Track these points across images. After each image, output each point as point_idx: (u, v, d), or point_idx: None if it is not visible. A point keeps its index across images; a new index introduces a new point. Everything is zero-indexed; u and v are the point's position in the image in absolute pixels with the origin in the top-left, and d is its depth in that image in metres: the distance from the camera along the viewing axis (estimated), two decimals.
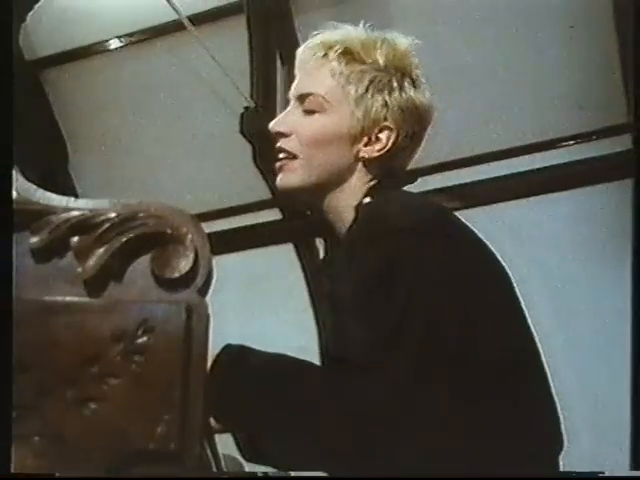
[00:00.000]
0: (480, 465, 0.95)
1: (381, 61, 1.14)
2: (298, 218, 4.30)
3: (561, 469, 1.04)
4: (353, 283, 1.02)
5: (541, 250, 3.80)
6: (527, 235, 3.82)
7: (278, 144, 1.17)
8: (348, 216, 1.13)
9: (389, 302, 0.97)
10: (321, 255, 4.60)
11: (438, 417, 0.94)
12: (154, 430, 0.76)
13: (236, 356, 0.99)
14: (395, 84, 1.14)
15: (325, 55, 1.15)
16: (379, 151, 1.14)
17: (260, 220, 4.34)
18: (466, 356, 0.96)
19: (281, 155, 1.17)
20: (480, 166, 3.96)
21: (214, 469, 1.05)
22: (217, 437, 1.06)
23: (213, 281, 0.84)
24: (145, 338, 0.79)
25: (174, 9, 3.54)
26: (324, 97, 1.14)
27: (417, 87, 1.17)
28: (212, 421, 1.01)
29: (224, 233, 4.20)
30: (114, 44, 4.27)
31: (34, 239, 0.82)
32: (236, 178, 4.25)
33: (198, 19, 3.93)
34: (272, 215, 4.31)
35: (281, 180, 1.17)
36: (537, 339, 1.07)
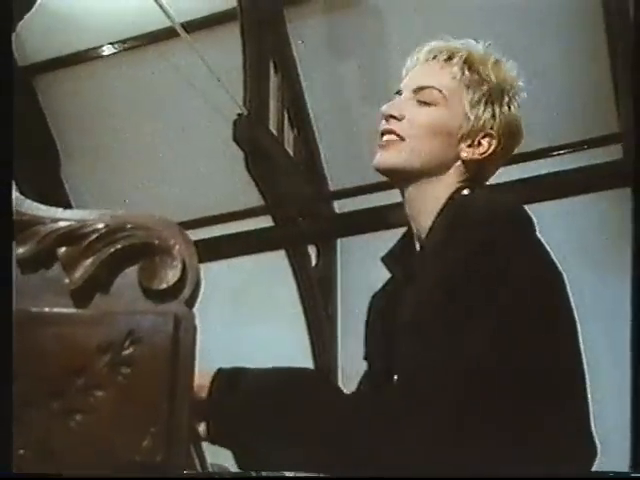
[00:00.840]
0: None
1: (493, 77, 1.22)
2: (290, 225, 4.31)
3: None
4: (440, 270, 1.05)
5: None
6: None
7: (387, 126, 1.21)
8: (434, 208, 1.17)
9: (474, 288, 1.01)
10: (313, 262, 4.61)
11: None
12: (140, 442, 0.76)
13: (232, 377, 1.01)
14: (505, 99, 1.22)
15: (449, 59, 1.22)
16: (480, 154, 1.21)
17: (252, 227, 4.34)
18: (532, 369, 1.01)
19: (388, 137, 1.21)
20: None
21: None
22: (205, 446, 1.06)
23: (201, 292, 0.84)
24: (132, 349, 0.78)
25: (167, 16, 3.54)
26: (442, 92, 1.20)
27: (518, 108, 1.25)
28: (200, 430, 1.01)
29: (216, 240, 4.20)
30: (107, 51, 4.27)
31: (21, 249, 0.81)
32: (229, 185, 4.25)
33: (191, 26, 3.94)
34: (264, 222, 4.31)
35: (381, 157, 1.21)
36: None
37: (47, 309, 0.80)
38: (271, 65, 4.18)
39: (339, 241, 4.72)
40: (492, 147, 1.21)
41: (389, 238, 1.30)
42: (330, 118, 4.33)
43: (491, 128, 1.21)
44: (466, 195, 1.19)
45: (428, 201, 1.19)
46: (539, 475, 1.00)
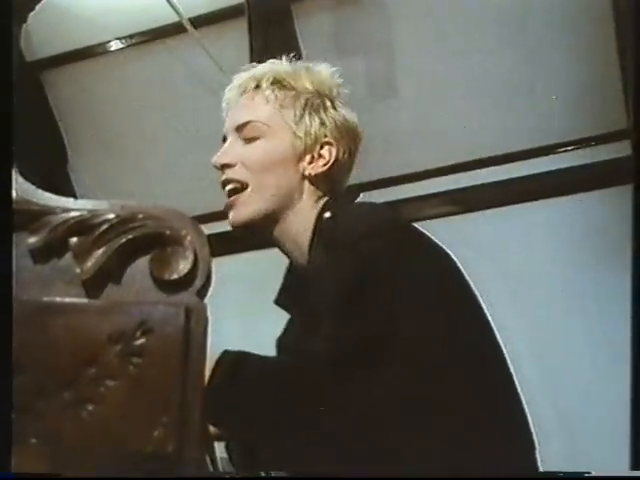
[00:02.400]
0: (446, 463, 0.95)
1: (309, 86, 1.20)
2: None
3: (561, 469, 1.05)
4: (329, 298, 1.03)
5: (540, 254, 3.80)
6: (527, 239, 3.82)
7: (225, 176, 1.19)
8: (304, 239, 1.15)
9: (364, 316, 0.98)
10: None
11: (412, 418, 0.94)
12: (151, 432, 0.76)
13: (235, 363, 0.99)
14: (328, 103, 1.19)
15: (257, 86, 1.20)
16: (324, 166, 1.18)
17: None
18: (429, 358, 0.97)
19: (230, 186, 1.19)
20: (479, 171, 3.96)
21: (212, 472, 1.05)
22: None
23: (212, 283, 0.84)
24: (143, 340, 0.78)
25: (175, 11, 3.54)
26: (263, 122, 1.18)
27: (346, 106, 1.22)
28: (211, 428, 1.01)
29: (225, 235, 4.20)
30: (115, 46, 4.27)
31: (33, 239, 0.82)
32: None
33: (199, 21, 3.93)
34: None
35: (234, 216, 1.19)
36: (501, 343, 1.08)
37: (58, 299, 0.80)
38: None
39: None
40: (333, 154, 1.18)
41: None
42: None
43: (325, 136, 1.18)
44: (329, 219, 1.15)
45: (293, 231, 1.17)
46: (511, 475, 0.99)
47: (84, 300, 0.80)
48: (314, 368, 0.99)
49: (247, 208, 1.17)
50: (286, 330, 1.22)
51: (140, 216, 0.82)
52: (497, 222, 3.83)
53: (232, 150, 1.20)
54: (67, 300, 0.80)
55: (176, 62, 4.15)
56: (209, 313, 0.82)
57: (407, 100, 3.54)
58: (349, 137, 1.21)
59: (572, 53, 3.76)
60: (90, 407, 0.77)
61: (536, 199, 3.87)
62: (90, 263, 0.80)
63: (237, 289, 3.97)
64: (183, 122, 4.30)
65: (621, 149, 3.69)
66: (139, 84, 4.26)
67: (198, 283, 0.81)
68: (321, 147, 1.18)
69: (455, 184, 4.02)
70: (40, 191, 0.85)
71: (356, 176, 1.30)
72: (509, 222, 3.84)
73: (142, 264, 0.81)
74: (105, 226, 0.82)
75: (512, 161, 3.90)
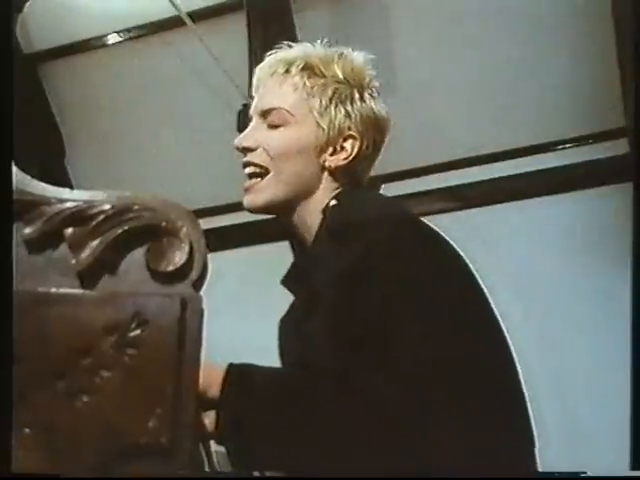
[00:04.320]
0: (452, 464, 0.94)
1: (340, 74, 1.18)
2: None
3: (561, 469, 1.04)
4: (325, 284, 1.03)
5: (538, 252, 3.81)
6: (524, 237, 3.82)
7: (246, 158, 1.19)
8: (314, 224, 1.15)
9: (363, 302, 0.98)
10: None
11: (414, 421, 0.93)
12: (146, 423, 0.76)
13: (244, 378, 0.99)
14: (356, 95, 1.18)
15: (287, 71, 1.18)
16: (345, 159, 1.17)
17: (255, 218, 4.33)
18: (434, 360, 0.96)
19: (250, 169, 1.19)
20: (477, 167, 3.96)
21: (207, 466, 1.05)
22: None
23: (208, 276, 0.84)
24: (138, 331, 0.78)
25: (173, 5, 3.53)
26: (288, 110, 1.17)
27: (375, 98, 1.20)
28: (207, 422, 1.01)
29: (221, 230, 4.20)
30: (112, 39, 4.26)
31: (28, 230, 0.81)
32: (233, 175, 4.24)
33: (197, 15, 3.92)
34: None
35: (249, 201, 1.20)
36: (510, 343, 1.06)
37: (53, 289, 0.80)
38: None
39: None
40: (355, 148, 1.18)
41: None
42: None
43: (349, 129, 1.17)
44: (333, 206, 1.16)
45: (307, 219, 1.18)
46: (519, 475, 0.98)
47: (79, 291, 0.80)
48: (320, 381, 0.99)
49: (264, 194, 1.17)
50: (289, 312, 1.22)
51: (136, 207, 0.82)
52: (494, 219, 3.83)
53: (255, 134, 1.19)
54: (62, 291, 0.80)
55: (174, 56, 4.14)
56: (204, 305, 0.82)
57: (405, 96, 3.54)
58: (374, 130, 1.19)
59: (570, 51, 3.76)
60: (85, 398, 0.77)
61: (533, 196, 3.88)
62: (85, 254, 0.80)
63: (234, 284, 3.97)
64: (180, 116, 4.29)
65: (619, 147, 3.69)
66: (137, 77, 4.26)
67: (194, 275, 0.81)
68: (344, 140, 1.17)
69: (452, 181, 4.02)
70: (35, 181, 0.85)
71: None
72: (507, 218, 3.84)
73: (138, 255, 0.81)
74: (101, 217, 0.81)
75: (510, 158, 3.90)
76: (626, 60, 3.62)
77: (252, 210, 1.20)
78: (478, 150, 3.89)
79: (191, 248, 0.81)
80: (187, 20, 3.64)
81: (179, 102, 4.27)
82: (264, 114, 1.19)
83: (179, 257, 0.80)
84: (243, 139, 1.19)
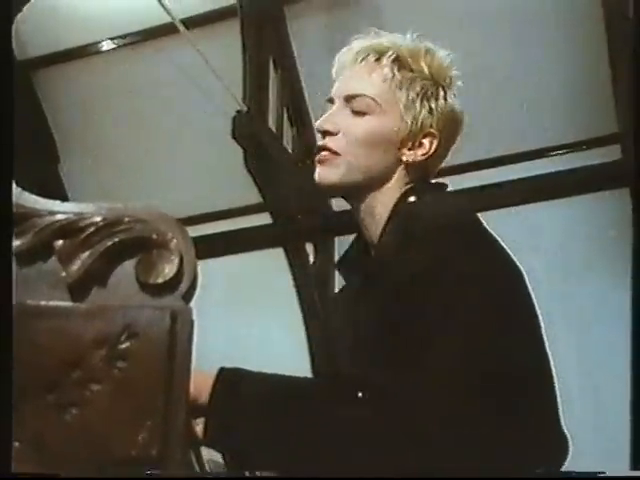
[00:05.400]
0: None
1: (426, 70, 1.17)
2: (288, 222, 4.30)
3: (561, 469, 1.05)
4: (396, 282, 1.03)
5: (534, 258, 3.81)
6: (517, 242, 3.82)
7: (323, 142, 1.17)
8: (381, 216, 1.15)
9: (433, 303, 0.99)
10: (311, 259, 4.61)
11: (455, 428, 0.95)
12: (136, 436, 0.76)
13: (232, 384, 1.00)
14: (441, 93, 1.18)
15: (378, 60, 1.17)
16: (422, 155, 1.17)
17: (250, 224, 4.34)
18: (493, 370, 0.97)
19: (324, 153, 1.17)
20: (469, 174, 3.97)
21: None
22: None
23: (198, 287, 0.84)
24: (128, 344, 0.78)
25: (167, 12, 3.54)
26: (375, 99, 1.16)
27: (456, 97, 1.21)
28: (198, 431, 1.01)
29: (214, 237, 4.20)
30: (106, 45, 4.26)
31: (18, 242, 0.81)
32: (227, 182, 4.25)
33: (191, 22, 3.93)
34: (262, 219, 4.31)
35: (320, 174, 1.17)
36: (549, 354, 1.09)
37: (43, 302, 0.80)
38: (271, 62, 4.17)
39: (337, 239, 4.72)
40: (434, 146, 1.18)
41: None
42: None
43: (430, 126, 1.17)
44: (413, 203, 1.16)
45: (376, 209, 1.17)
46: (527, 475, 1.00)
47: (69, 303, 0.80)
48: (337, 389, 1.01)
49: (337, 170, 1.16)
50: (339, 293, 1.25)
51: (126, 219, 0.81)
52: (488, 225, 3.83)
53: (337, 118, 1.18)
54: (52, 303, 0.80)
55: (168, 63, 4.14)
56: (194, 316, 0.82)
57: None
58: (452, 128, 1.20)
59: (563, 57, 3.77)
60: (74, 411, 0.77)
61: (526, 202, 3.88)
62: (75, 266, 0.80)
63: (227, 291, 3.97)
64: (174, 122, 4.29)
65: (611, 153, 3.70)
66: (130, 84, 4.26)
67: (183, 287, 0.81)
68: (424, 136, 1.17)
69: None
70: (26, 193, 0.84)
71: None
72: (499, 225, 3.84)
73: (128, 268, 0.81)
74: (91, 229, 0.81)
75: (504, 164, 3.91)
76: (618, 66, 3.64)
77: (322, 184, 1.17)
78: (467, 157, 3.90)
79: (181, 260, 0.81)
80: (181, 27, 3.64)
81: (173, 108, 4.27)
82: (348, 99, 1.18)
83: (169, 269, 0.80)
84: (325, 122, 1.18)
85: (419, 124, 1.16)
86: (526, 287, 1.08)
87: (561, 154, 3.95)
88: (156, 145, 4.33)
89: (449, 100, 1.19)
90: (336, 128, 1.17)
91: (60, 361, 0.78)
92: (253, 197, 4.16)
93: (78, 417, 0.76)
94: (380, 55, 1.18)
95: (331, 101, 1.21)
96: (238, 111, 3.83)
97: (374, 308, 1.07)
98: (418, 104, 1.16)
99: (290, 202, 4.30)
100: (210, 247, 3.79)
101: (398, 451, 0.94)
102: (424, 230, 1.06)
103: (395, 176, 1.17)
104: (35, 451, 0.76)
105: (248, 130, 3.83)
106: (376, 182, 1.17)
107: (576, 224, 3.84)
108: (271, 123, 4.11)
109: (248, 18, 4.01)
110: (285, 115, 4.31)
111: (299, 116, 4.44)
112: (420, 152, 1.17)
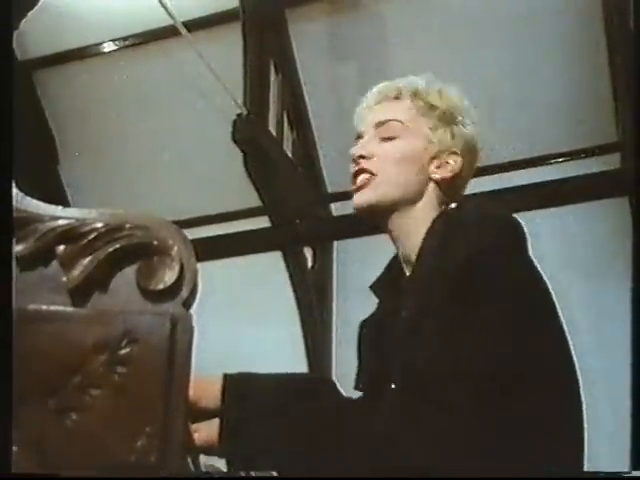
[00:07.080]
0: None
1: (441, 104, 1.28)
2: (287, 226, 4.31)
3: None
4: (428, 297, 1.10)
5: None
6: None
7: (359, 166, 1.27)
8: (419, 230, 1.22)
9: (476, 316, 1.05)
10: (309, 264, 4.61)
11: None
12: (135, 442, 0.76)
13: (242, 390, 1.06)
14: (459, 118, 1.28)
15: (396, 97, 1.29)
16: (450, 172, 1.26)
17: (249, 227, 4.34)
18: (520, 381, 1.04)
19: (362, 176, 1.26)
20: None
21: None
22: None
23: (198, 293, 0.84)
24: (128, 349, 0.78)
25: (169, 14, 3.54)
26: (402, 122, 1.26)
27: (472, 125, 1.31)
28: (196, 438, 1.02)
29: (214, 239, 4.20)
30: (108, 47, 4.27)
31: (19, 247, 0.81)
32: (227, 185, 4.25)
33: (193, 25, 3.94)
34: (261, 223, 4.31)
35: (359, 197, 1.26)
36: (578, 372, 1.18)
37: (44, 307, 0.80)
38: (272, 66, 4.18)
39: (336, 243, 4.72)
40: (458, 164, 1.26)
41: (386, 241, 1.32)
42: (329, 120, 4.34)
43: (454, 146, 1.27)
44: (455, 208, 1.25)
45: (412, 225, 1.24)
46: (538, 475, 1.02)
47: (70, 309, 0.80)
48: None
49: (375, 192, 1.24)
50: (373, 315, 1.30)
51: (128, 225, 0.82)
52: None
53: (369, 145, 1.28)
54: (53, 308, 0.80)
55: (169, 65, 4.15)
56: (195, 322, 0.82)
57: None
58: (472, 155, 1.29)
59: (562, 66, 3.78)
60: (74, 416, 0.77)
61: (527, 210, 3.89)
62: (77, 272, 0.80)
63: (226, 293, 3.96)
64: (174, 125, 4.30)
65: (611, 162, 3.71)
66: (131, 86, 4.26)
67: (184, 293, 0.81)
68: (449, 155, 1.26)
69: None
70: (28, 198, 0.85)
71: None
72: None
73: (129, 273, 0.81)
74: (93, 235, 0.82)
75: (502, 172, 3.91)
76: (618, 75, 3.64)
77: (362, 208, 1.26)
78: None
79: (182, 267, 0.81)
80: (182, 30, 3.64)
81: (174, 111, 4.28)
82: (377, 126, 1.28)
83: (170, 276, 0.80)
84: (359, 149, 1.28)
85: (445, 144, 1.26)
86: (552, 297, 1.17)
87: (560, 162, 3.95)
88: (156, 148, 4.33)
89: (467, 128, 1.28)
90: (370, 153, 1.26)
91: (60, 366, 0.78)
92: (252, 200, 4.16)
93: (78, 422, 0.77)
94: (399, 93, 1.29)
95: (359, 136, 1.30)
96: (238, 114, 3.83)
97: (410, 312, 1.13)
98: (441, 128, 1.26)
99: (289, 206, 4.31)
100: (208, 250, 3.79)
101: (415, 454, 0.99)
102: (465, 231, 1.14)
103: (428, 193, 1.26)
104: (35, 455, 0.76)
105: (248, 133, 3.84)
106: (409, 200, 1.25)
107: (575, 232, 3.84)
108: (271, 126, 4.12)
109: (250, 21, 4.02)
110: (285, 119, 4.32)
111: (299, 120, 4.45)
112: (448, 169, 1.26)
